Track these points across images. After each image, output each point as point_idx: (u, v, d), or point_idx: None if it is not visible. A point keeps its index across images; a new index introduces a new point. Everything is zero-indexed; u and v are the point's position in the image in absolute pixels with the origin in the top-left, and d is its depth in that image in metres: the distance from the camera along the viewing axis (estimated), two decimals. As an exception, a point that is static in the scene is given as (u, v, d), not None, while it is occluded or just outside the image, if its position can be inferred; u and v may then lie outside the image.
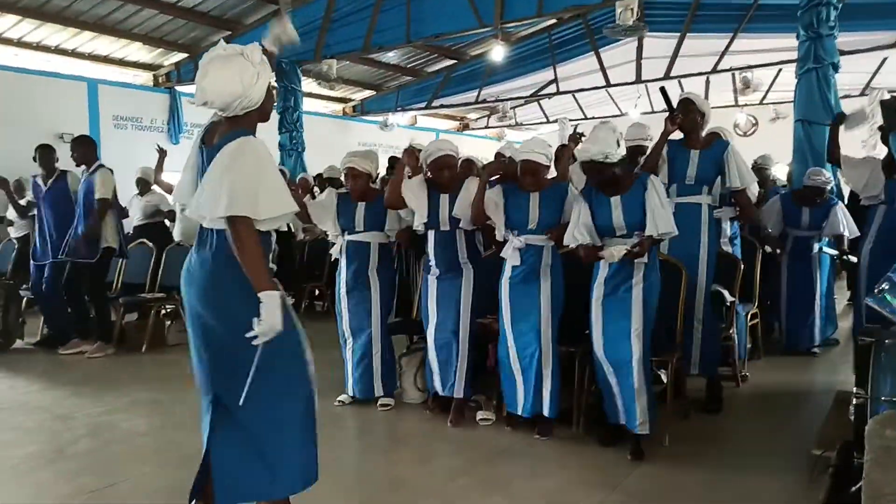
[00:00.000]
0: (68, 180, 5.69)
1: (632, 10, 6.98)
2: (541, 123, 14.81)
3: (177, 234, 6.45)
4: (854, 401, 2.23)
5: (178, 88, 10.49)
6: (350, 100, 13.47)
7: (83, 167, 5.57)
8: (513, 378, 3.57)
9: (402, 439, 3.79)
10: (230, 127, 2.19)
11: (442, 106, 12.90)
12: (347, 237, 4.11)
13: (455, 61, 11.83)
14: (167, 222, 7.46)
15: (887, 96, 4.32)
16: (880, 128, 4.10)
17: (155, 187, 7.14)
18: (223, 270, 2.17)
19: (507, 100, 13.05)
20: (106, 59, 9.83)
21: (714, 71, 9.85)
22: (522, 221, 3.50)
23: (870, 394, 2.16)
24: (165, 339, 6.05)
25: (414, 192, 3.78)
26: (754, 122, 13.24)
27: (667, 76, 9.75)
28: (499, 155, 4.69)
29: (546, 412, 3.50)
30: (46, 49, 9.18)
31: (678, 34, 9.10)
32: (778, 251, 5.19)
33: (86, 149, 5.57)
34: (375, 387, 4.10)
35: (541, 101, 13.66)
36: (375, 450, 3.67)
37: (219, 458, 2.22)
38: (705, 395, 4.01)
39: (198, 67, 2.17)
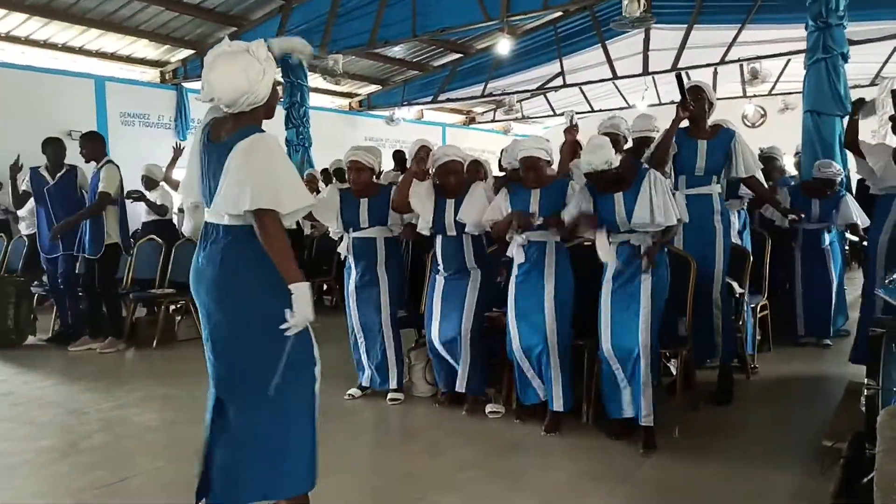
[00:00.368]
0: (77, 176, 5.71)
1: (638, 1, 6.93)
2: (547, 116, 14.78)
3: (186, 230, 6.47)
4: (865, 392, 2.23)
5: (185, 85, 10.52)
6: (356, 94, 13.47)
7: (93, 163, 5.59)
8: (522, 373, 3.60)
9: (411, 432, 3.81)
10: (237, 123, 2.18)
11: (448, 100, 12.88)
12: (353, 234, 4.08)
13: (461, 55, 11.80)
14: (175, 218, 7.51)
15: (898, 86, 4.28)
16: (891, 118, 4.05)
17: (163, 184, 7.18)
18: (234, 266, 2.18)
19: (514, 93, 13.02)
20: (113, 56, 9.87)
21: (722, 62, 9.80)
22: None
23: (881, 384, 2.15)
24: (176, 334, 6.08)
25: (421, 198, 3.82)
26: (763, 113, 13.15)
27: (674, 68, 9.69)
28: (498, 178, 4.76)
29: (553, 406, 3.51)
30: (53, 47, 9.22)
31: (685, 25, 9.05)
32: (799, 218, 4.91)
33: (94, 145, 5.59)
34: (390, 378, 4.10)
35: (547, 94, 13.61)
36: (386, 443, 3.69)
37: (219, 458, 2.23)
38: (716, 386, 4.01)
39: (204, 64, 2.18)
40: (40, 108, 8.97)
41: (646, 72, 10.51)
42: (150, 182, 7.19)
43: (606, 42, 9.90)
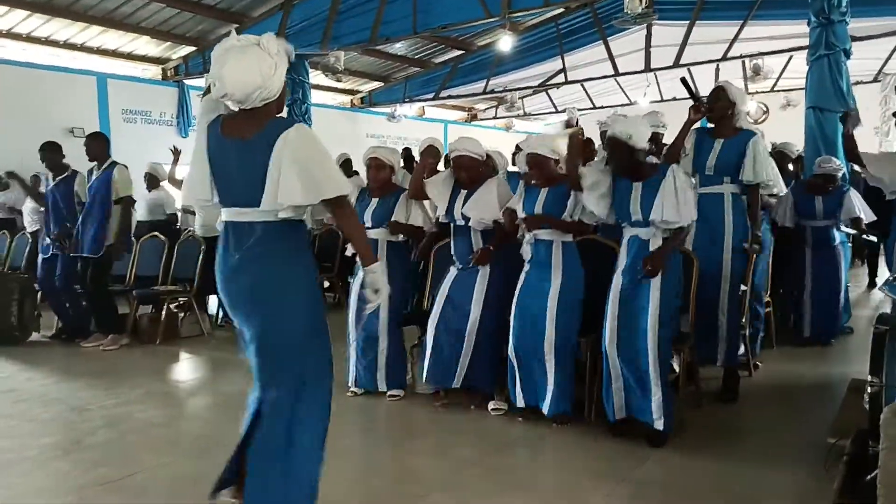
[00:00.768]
0: (76, 181, 5.73)
1: (640, -3, 6.93)
2: (549, 113, 14.76)
3: (198, 228, 6.43)
4: (869, 389, 2.23)
5: (187, 82, 10.52)
6: (358, 91, 13.45)
7: (94, 163, 5.62)
8: (513, 372, 3.59)
9: (413, 430, 3.80)
10: (258, 119, 2.11)
11: (450, 97, 12.86)
12: None
13: (462, 52, 11.78)
14: (179, 217, 7.52)
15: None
16: (894, 114, 4.05)
17: (164, 184, 7.17)
18: (277, 263, 2.14)
19: (516, 90, 13.00)
20: (114, 54, 9.87)
21: (724, 58, 9.77)
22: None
23: (884, 382, 2.15)
24: (179, 331, 6.09)
25: (437, 186, 3.87)
26: (765, 109, 13.14)
27: (676, 64, 9.68)
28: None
29: (544, 410, 3.50)
30: (55, 44, 9.23)
31: (687, 22, 9.02)
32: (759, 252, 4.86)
33: (98, 145, 5.62)
34: (378, 380, 4.06)
35: (549, 91, 13.61)
36: (387, 440, 3.69)
37: (257, 470, 2.18)
38: (721, 385, 3.98)
39: (206, 61, 2.16)
40: (42, 106, 8.98)
41: (648, 68, 10.49)
42: (152, 180, 7.19)
43: (608, 38, 9.88)
